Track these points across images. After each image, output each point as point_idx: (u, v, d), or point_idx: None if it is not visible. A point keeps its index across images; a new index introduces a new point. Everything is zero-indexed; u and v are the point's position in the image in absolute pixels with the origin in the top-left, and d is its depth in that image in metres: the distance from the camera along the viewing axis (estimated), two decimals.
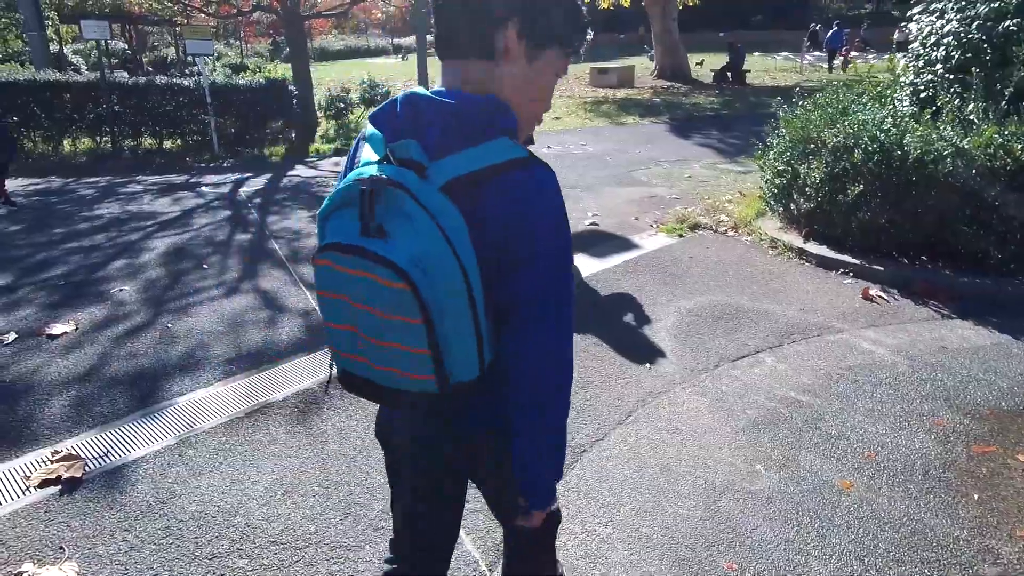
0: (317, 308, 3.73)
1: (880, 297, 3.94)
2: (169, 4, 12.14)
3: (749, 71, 20.39)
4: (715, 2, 24.05)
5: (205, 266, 4.49)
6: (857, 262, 4.35)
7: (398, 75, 23.66)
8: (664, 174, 7.73)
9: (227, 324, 3.55)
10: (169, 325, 3.53)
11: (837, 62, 22.65)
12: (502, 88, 1.03)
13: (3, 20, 20.66)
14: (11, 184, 7.23)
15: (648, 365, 3.08)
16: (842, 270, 4.36)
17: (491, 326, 1.00)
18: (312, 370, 3.05)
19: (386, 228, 0.91)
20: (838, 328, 3.49)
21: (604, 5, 23.38)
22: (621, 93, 17.07)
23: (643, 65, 22.86)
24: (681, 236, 5.24)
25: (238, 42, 34.95)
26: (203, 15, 14.24)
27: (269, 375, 3.00)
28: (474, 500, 1.90)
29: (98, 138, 9.38)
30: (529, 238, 0.96)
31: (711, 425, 2.58)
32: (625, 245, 5.02)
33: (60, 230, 5.45)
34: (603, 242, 5.09)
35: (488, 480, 1.23)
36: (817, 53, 25.32)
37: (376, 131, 1.03)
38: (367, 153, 1.01)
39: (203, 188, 7.12)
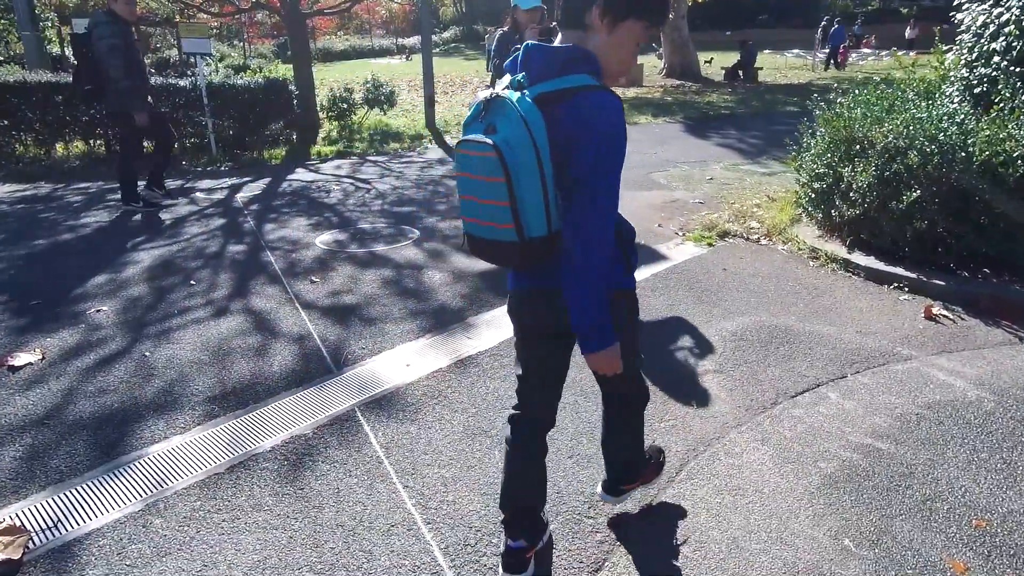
0: (313, 332, 3.33)
1: (944, 316, 3.52)
2: (166, 3, 11.77)
3: (761, 69, 19.93)
4: (721, 1, 23.53)
5: (192, 282, 4.10)
6: (913, 275, 3.92)
7: (402, 75, 23.30)
8: (684, 176, 7.31)
9: (212, 352, 3.14)
10: (147, 354, 3.13)
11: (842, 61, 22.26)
12: (592, 50, 1.45)
13: (2, 22, 20.37)
14: None
15: (694, 404, 2.67)
16: (896, 284, 3.94)
17: (557, 198, 1.41)
18: (305, 411, 2.64)
19: (496, 125, 1.37)
20: (905, 355, 3.07)
21: None
22: (631, 92, 16.63)
23: (650, 63, 22.42)
24: (711, 245, 4.82)
25: (242, 43, 34.65)
26: (203, 15, 13.91)
27: (257, 417, 2.60)
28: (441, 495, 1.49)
29: (92, 141, 9.01)
30: (586, 130, 1.36)
31: (780, 484, 2.16)
32: (651, 256, 4.60)
33: (41, 241, 5.07)
34: None
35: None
36: (829, 50, 24.84)
37: (508, 74, 1.49)
38: (499, 87, 1.45)
39: (197, 194, 6.74)
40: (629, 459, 1.95)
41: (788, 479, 2.18)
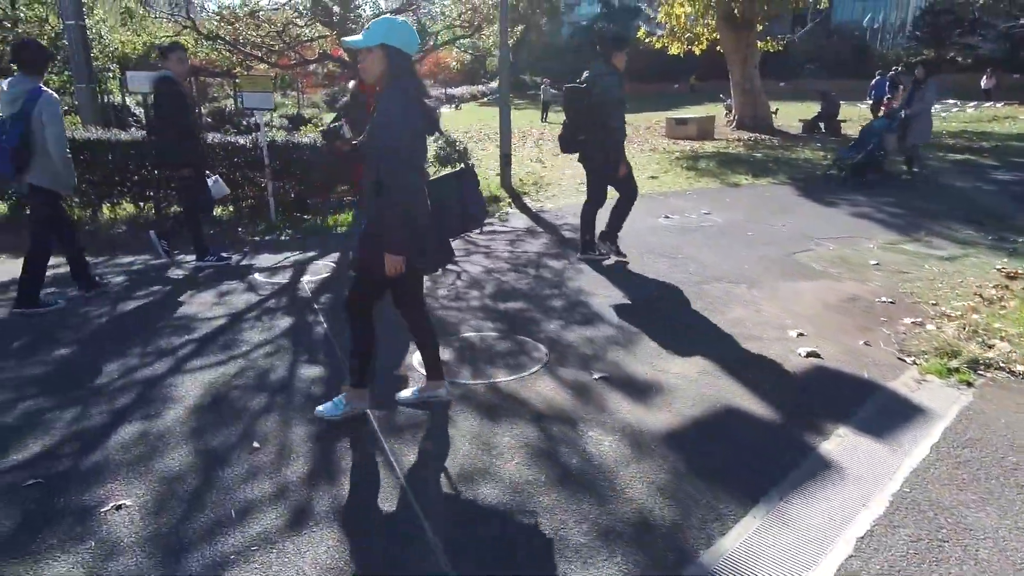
0: (442, 559, 2.01)
1: None
2: (228, 55, 11.13)
3: (845, 121, 18.53)
4: (771, 51, 22.35)
5: (256, 444, 2.86)
6: None
7: (454, 124, 22.64)
8: (838, 259, 5.92)
9: None
10: None
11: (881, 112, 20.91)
12: None
13: (65, 74, 20.44)
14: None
15: None
16: None
17: None
18: None
19: None
20: None
21: (673, 51, 22.09)
22: (709, 146, 15.42)
23: (718, 114, 21.28)
24: (968, 384, 3.40)
25: (296, 93, 34.86)
26: (263, 66, 13.35)
27: None
28: None
29: (142, 204, 8.12)
30: None
31: None
32: (897, 405, 3.20)
33: (62, 351, 3.96)
34: (856, 395, 3.28)
35: None
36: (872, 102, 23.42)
37: None
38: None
39: (256, 276, 5.62)
40: None
41: None
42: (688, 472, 2.62)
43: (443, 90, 45.95)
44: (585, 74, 5.49)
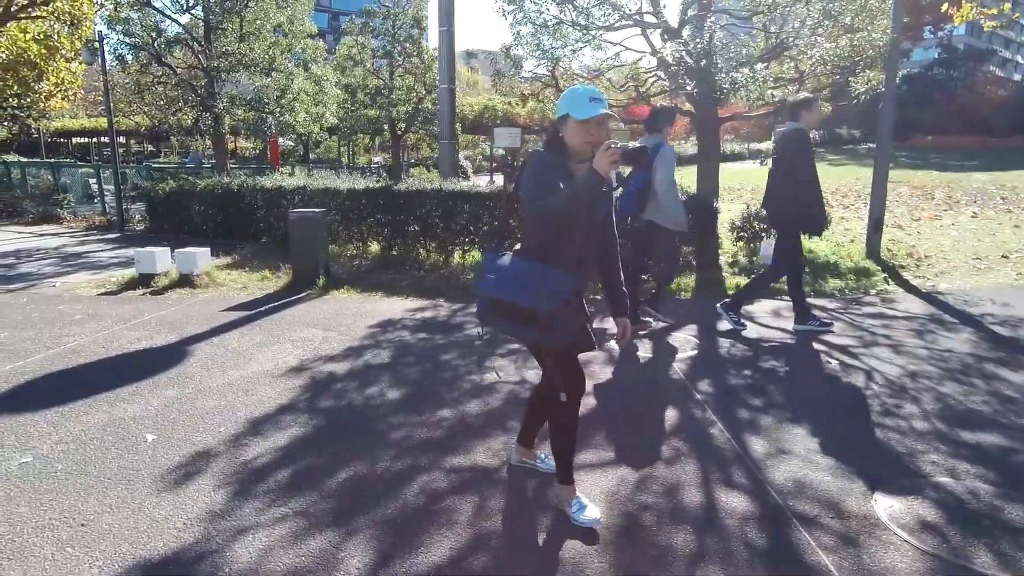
0: None
1: None
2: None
3: None
4: None
5: None
6: None
7: (762, 180, 20.82)
8: None
9: None
10: None
11: None
12: None
13: (423, 131, 24.12)
14: (399, 306, 6.24)
15: None
16: None
17: None
18: None
19: None
20: None
21: None
22: None
23: None
24: None
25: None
26: (621, 124, 13.67)
27: None
28: None
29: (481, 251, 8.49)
30: None
31: None
32: None
33: (445, 413, 3.75)
34: None
35: None
36: None
37: None
38: None
39: (610, 343, 5.08)
40: None
41: None
42: None
43: (745, 145, 43.81)
44: None
